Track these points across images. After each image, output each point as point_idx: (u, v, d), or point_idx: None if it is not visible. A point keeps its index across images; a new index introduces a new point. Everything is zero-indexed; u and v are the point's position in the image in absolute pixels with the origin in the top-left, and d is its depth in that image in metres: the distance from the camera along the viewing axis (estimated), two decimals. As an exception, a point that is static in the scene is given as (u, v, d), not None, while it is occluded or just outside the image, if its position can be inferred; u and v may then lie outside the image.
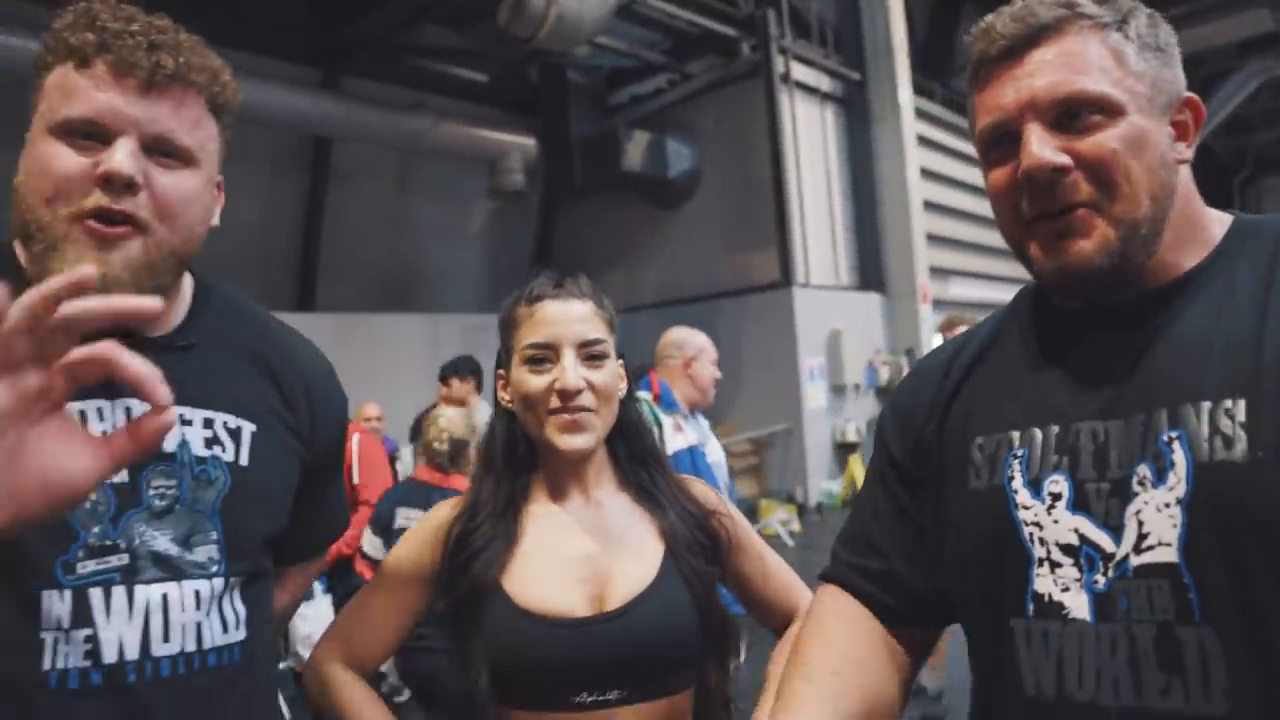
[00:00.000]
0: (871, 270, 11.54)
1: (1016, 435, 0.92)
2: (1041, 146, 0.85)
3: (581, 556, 1.23)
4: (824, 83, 11.40)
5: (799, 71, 10.96)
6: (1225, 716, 0.75)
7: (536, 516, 1.27)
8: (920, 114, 11.97)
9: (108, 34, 0.91)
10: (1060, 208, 0.86)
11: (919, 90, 12.12)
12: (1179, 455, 0.79)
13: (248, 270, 10.20)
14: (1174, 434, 0.80)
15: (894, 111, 11.30)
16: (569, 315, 1.25)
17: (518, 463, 1.29)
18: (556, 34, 8.19)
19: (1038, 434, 0.90)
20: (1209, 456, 0.77)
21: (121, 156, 0.89)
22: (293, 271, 10.80)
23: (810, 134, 11.06)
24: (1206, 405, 0.79)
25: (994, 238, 12.61)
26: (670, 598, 1.21)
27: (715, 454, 3.40)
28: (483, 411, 4.84)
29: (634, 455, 1.34)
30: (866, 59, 11.54)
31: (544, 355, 1.24)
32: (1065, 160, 0.85)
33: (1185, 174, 0.89)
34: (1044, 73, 0.86)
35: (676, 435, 3.12)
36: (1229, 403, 0.78)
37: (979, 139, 0.93)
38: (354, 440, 4.13)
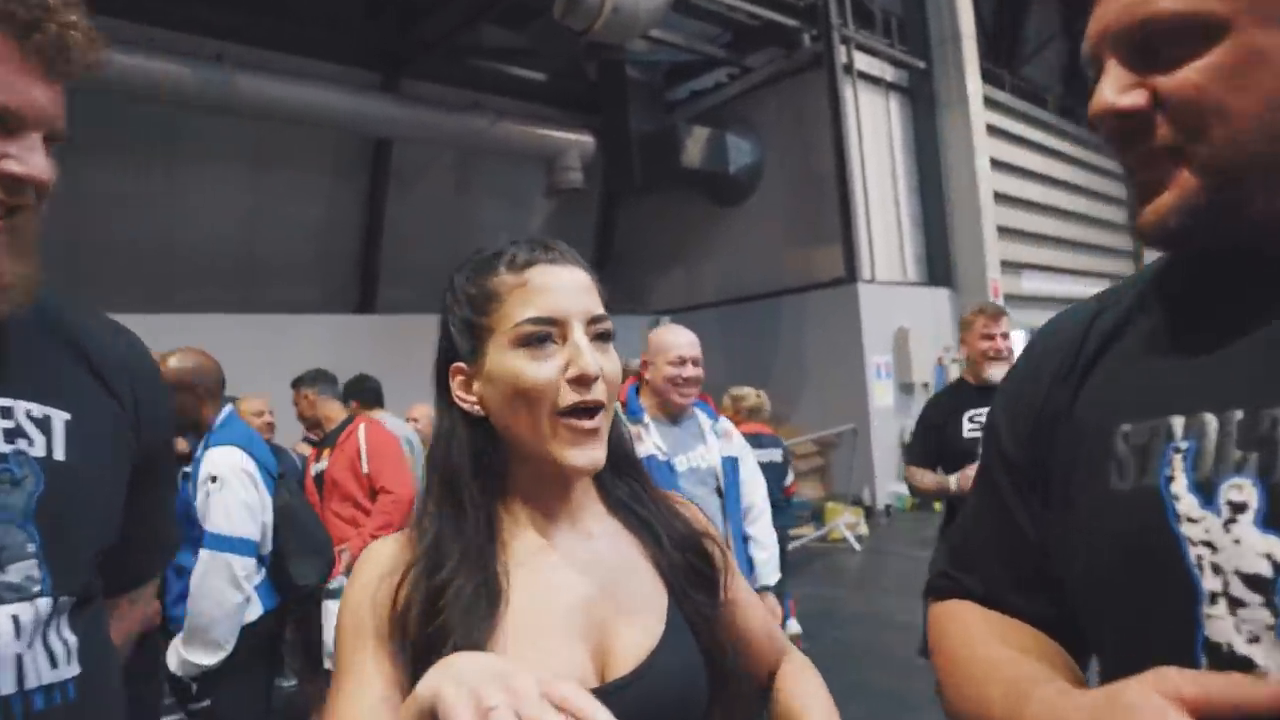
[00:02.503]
0: (940, 265, 11.19)
1: (1179, 422, 0.69)
2: (1108, 89, 0.69)
3: (579, 607, 0.95)
4: (888, 72, 11.09)
5: (862, 61, 10.67)
6: None
7: (519, 556, 0.97)
8: (989, 103, 11.58)
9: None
10: (1138, 160, 0.70)
11: (988, 78, 11.73)
12: None
13: (310, 273, 10.28)
14: None
15: (961, 100, 10.94)
16: (574, 283, 0.97)
17: (486, 486, 0.98)
18: (612, 26, 8.05)
19: (1211, 421, 0.67)
20: None
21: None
22: (353, 274, 10.85)
23: (875, 125, 10.76)
24: None
25: (1069, 229, 12.06)
26: (681, 653, 0.97)
27: (701, 459, 2.96)
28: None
29: (616, 467, 1.06)
30: (932, 46, 11.19)
31: (546, 333, 0.94)
32: (1130, 103, 0.69)
33: None
34: None
35: (636, 444, 2.84)
36: None
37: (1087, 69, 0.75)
38: (360, 431, 4.06)
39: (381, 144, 10.42)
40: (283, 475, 3.12)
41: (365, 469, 3.91)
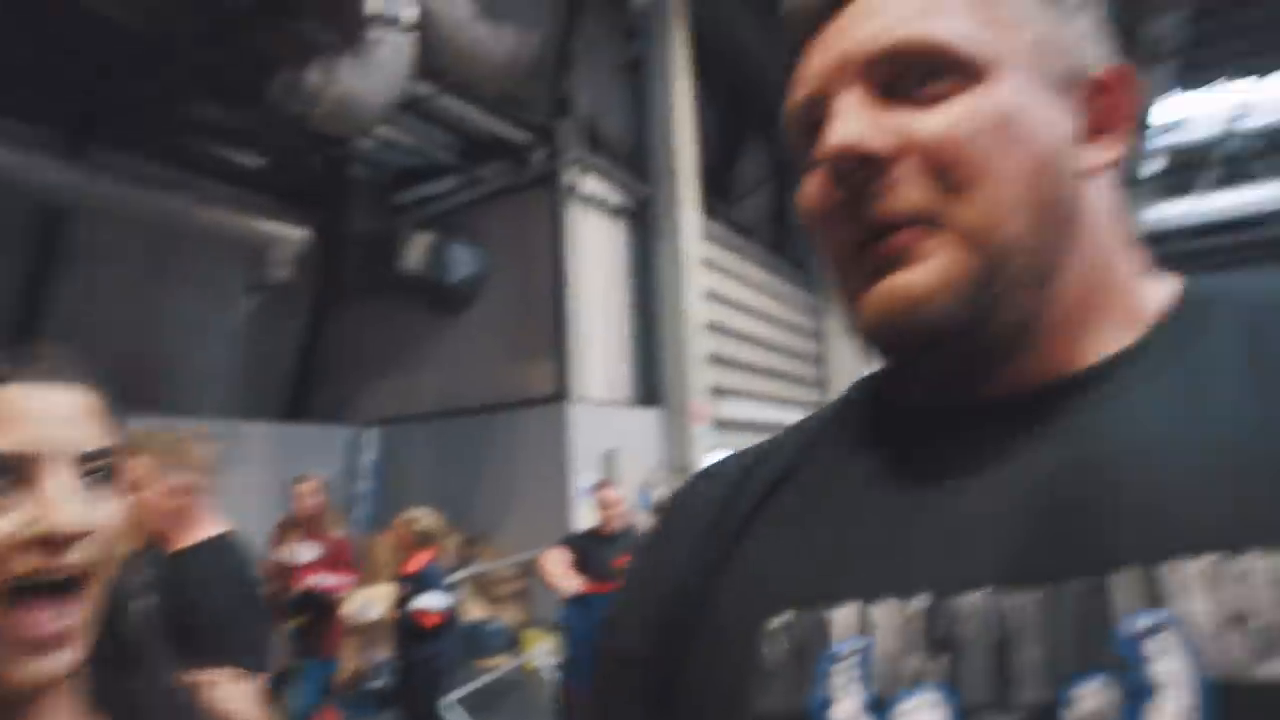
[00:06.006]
0: (650, 387, 11.50)
1: (846, 616, 0.52)
2: (852, 123, 0.53)
3: None
4: (614, 196, 11.47)
5: (590, 183, 10.95)
6: None
7: None
8: (707, 236, 12.25)
9: None
10: (880, 223, 0.53)
11: (709, 212, 12.44)
12: (1172, 659, 0.42)
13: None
14: (1154, 617, 0.43)
15: (674, 232, 11.46)
16: (61, 409, 0.75)
17: None
18: (336, 117, 7.67)
19: (886, 614, 0.51)
20: (1232, 664, 0.41)
21: None
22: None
23: (597, 247, 11.01)
24: (1210, 560, 0.43)
25: (774, 360, 12.69)
26: None
27: None
28: None
29: (113, 660, 0.82)
30: (653, 179, 11.75)
31: (12, 471, 0.71)
32: (883, 144, 0.52)
33: (1104, 196, 0.57)
34: (865, 18, 0.55)
35: None
36: (1258, 553, 0.42)
37: (789, 137, 0.60)
38: None
39: (51, 213, 9.22)
40: None
41: None
